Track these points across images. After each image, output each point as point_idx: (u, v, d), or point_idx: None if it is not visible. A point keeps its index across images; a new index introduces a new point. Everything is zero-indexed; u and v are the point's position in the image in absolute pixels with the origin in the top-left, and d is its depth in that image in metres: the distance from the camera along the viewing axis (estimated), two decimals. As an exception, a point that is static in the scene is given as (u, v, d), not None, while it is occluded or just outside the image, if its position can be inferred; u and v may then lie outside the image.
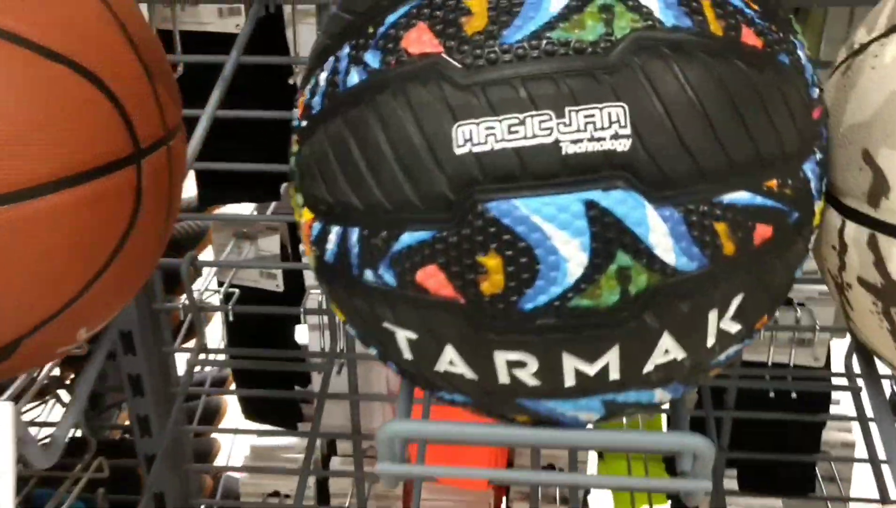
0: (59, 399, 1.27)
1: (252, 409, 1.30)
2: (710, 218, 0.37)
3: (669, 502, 1.46)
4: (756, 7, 0.40)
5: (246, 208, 1.33)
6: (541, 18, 0.36)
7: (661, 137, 0.36)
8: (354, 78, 0.40)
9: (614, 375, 0.40)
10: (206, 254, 1.49)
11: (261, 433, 1.28)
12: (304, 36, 0.98)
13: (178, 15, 0.94)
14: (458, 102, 0.37)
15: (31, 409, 1.25)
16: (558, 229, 0.36)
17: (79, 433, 1.21)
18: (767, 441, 1.12)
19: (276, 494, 1.27)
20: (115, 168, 0.47)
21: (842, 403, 1.27)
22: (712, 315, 0.39)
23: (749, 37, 0.38)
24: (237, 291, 1.12)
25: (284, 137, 1.10)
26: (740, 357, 0.45)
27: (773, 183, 0.39)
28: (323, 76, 0.42)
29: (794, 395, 1.05)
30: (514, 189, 0.36)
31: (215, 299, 1.21)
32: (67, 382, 1.23)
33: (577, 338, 0.38)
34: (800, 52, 0.42)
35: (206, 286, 1.27)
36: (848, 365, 0.99)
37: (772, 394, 1.05)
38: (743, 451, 1.08)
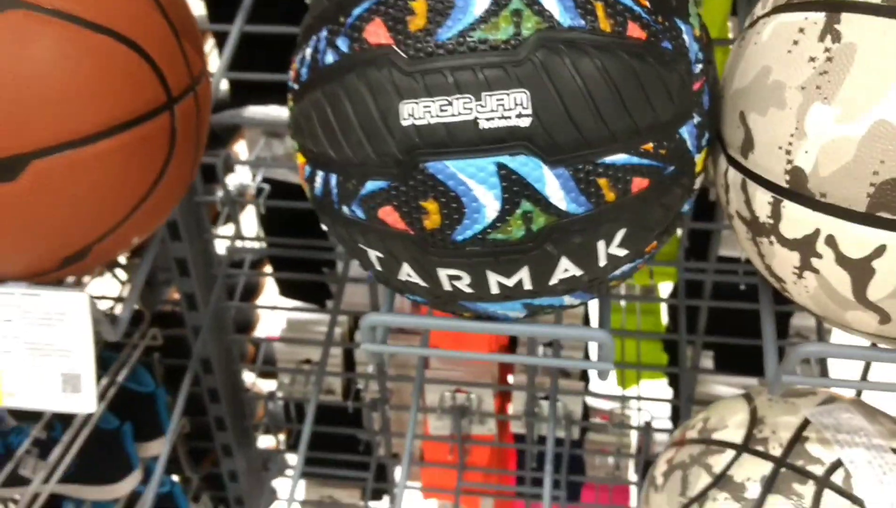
0: (115, 275, 1.43)
1: (286, 288, 1.47)
2: (594, 175, 0.49)
3: (666, 378, 1.60)
4: (645, 2, 0.50)
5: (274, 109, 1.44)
6: (466, 20, 0.48)
7: (554, 115, 0.47)
8: (329, 58, 0.52)
9: (528, 286, 0.53)
10: (240, 147, 1.62)
11: (290, 309, 1.44)
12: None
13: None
14: (403, 85, 0.48)
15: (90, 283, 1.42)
16: (478, 184, 0.49)
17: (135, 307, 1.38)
18: (742, 329, 1.25)
19: (307, 361, 1.45)
20: (152, 116, 0.60)
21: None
22: (601, 244, 0.52)
23: (634, 30, 0.49)
24: (266, 187, 1.26)
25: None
26: (637, 270, 0.56)
27: (650, 146, 0.50)
28: (308, 52, 0.54)
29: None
30: (444, 153, 0.48)
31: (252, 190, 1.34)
32: (122, 261, 1.39)
33: (496, 261, 0.51)
34: (685, 37, 0.52)
35: (241, 181, 1.41)
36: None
37: (742, 287, 1.17)
38: (719, 337, 1.21)
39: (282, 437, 1.58)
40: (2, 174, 0.55)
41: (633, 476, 1.54)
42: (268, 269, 1.45)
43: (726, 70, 0.58)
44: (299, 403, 1.47)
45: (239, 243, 1.25)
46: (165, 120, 0.61)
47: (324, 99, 0.52)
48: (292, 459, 1.59)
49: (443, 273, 0.53)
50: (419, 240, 0.52)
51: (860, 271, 0.50)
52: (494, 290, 0.54)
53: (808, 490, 0.70)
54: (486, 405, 1.40)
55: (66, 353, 0.63)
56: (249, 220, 1.53)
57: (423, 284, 0.55)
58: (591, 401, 1.50)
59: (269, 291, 1.79)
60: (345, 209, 0.54)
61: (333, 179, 0.53)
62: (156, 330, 1.30)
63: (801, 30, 0.50)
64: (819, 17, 0.50)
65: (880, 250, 0.49)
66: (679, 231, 1.22)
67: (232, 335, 1.35)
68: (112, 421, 1.24)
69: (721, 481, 0.74)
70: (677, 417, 1.50)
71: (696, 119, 0.53)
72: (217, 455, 1.47)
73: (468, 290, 0.54)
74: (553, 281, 0.53)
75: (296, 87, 0.55)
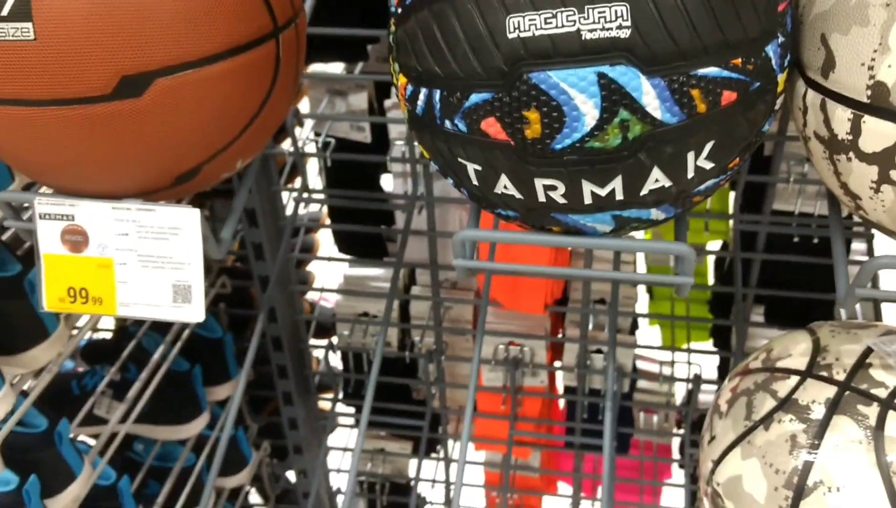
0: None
1: (345, 244, 1.51)
2: (688, 86, 0.52)
3: (711, 340, 1.63)
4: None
5: (337, 68, 1.49)
6: (570, -58, 0.51)
7: (652, 27, 0.51)
8: (437, -21, 0.55)
9: (619, 196, 0.57)
10: (302, 106, 1.66)
11: (352, 263, 1.49)
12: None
13: None
14: (509, 0, 0.52)
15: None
16: (579, 93, 0.52)
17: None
18: (792, 282, 1.27)
19: (365, 314, 1.49)
20: (261, 42, 0.65)
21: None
22: (690, 155, 0.55)
23: (726, -51, 0.52)
24: (333, 140, 1.30)
25: (373, 5, 1.25)
26: (719, 187, 0.60)
27: (738, 61, 0.53)
28: (415, -24, 0.58)
29: (815, 240, 1.20)
30: (548, 64, 0.52)
31: (312, 148, 1.39)
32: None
33: (591, 169, 0.55)
34: (771, -42, 0.55)
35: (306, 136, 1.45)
36: (830, 225, 1.13)
37: (796, 239, 1.20)
38: (770, 289, 1.24)
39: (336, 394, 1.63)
40: (130, 90, 0.59)
41: (675, 429, 1.57)
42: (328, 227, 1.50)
43: (805, -2, 0.61)
44: (357, 354, 1.52)
45: (304, 195, 1.29)
46: (272, 47, 0.65)
47: (431, 18, 0.56)
48: (345, 410, 1.64)
49: (539, 183, 0.57)
50: (519, 149, 0.55)
51: (938, 180, 0.53)
52: (587, 200, 0.57)
53: (872, 411, 0.73)
54: (539, 357, 1.44)
55: (178, 265, 0.67)
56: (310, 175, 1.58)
57: (518, 195, 0.59)
58: (640, 355, 1.54)
59: (323, 251, 1.84)
60: (447, 123, 0.57)
61: (437, 94, 0.57)
62: (224, 278, 1.36)
63: (885, -50, 0.53)
64: (903, -62, 0.52)
65: (959, 158, 0.52)
66: (732, 190, 1.25)
67: (295, 286, 1.40)
68: (183, 364, 1.30)
69: (786, 404, 0.77)
70: (724, 373, 1.53)
71: (780, 39, 0.56)
72: (277, 404, 1.52)
73: (562, 200, 0.58)
74: (644, 191, 0.57)
75: (399, 10, 0.59)
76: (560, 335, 1.47)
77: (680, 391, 1.65)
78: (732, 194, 1.26)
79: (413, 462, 1.71)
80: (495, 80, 0.54)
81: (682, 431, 1.50)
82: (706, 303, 1.62)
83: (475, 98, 0.55)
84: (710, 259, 1.54)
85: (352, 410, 1.65)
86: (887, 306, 1.20)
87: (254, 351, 1.11)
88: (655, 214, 0.60)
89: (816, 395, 0.76)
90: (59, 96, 0.59)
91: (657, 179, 0.56)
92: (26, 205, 0.70)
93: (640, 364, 1.58)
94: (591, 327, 1.42)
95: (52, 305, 0.69)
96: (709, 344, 1.63)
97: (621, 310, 1.42)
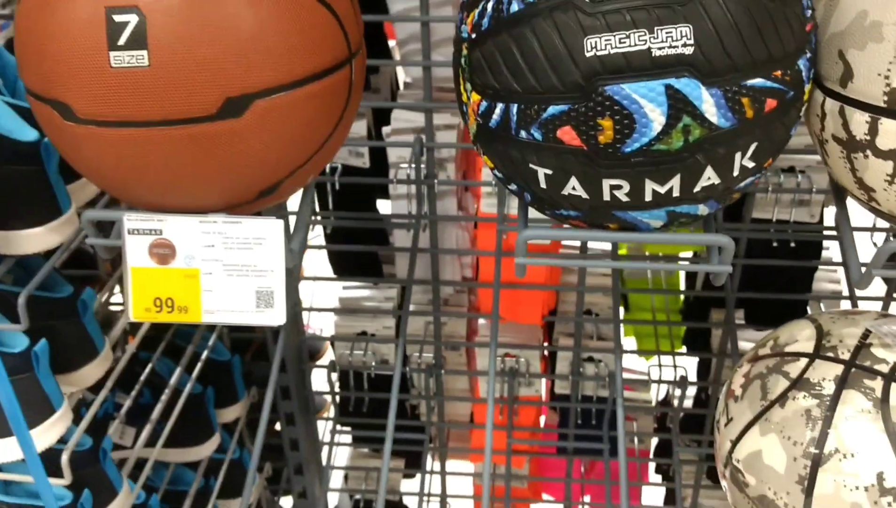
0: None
1: (342, 267, 1.57)
2: (740, 95, 0.61)
3: (685, 347, 1.73)
4: (772, -40, 0.62)
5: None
6: (639, -27, 0.60)
7: (711, 45, 0.59)
8: (515, 7, 0.63)
9: (676, 193, 0.65)
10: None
11: (357, 281, 1.53)
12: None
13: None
14: (587, 23, 0.60)
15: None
16: (648, 102, 0.60)
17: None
18: (768, 285, 1.38)
19: (363, 333, 1.55)
20: (340, 67, 0.71)
21: (831, 250, 1.51)
22: (738, 156, 0.64)
23: (766, -20, 0.62)
24: (340, 165, 1.36)
25: (373, 41, 1.32)
26: (755, 184, 0.69)
27: (779, 73, 0.62)
28: (489, 4, 0.65)
29: (792, 244, 1.31)
30: (621, 78, 0.60)
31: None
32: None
33: (655, 170, 0.63)
34: (799, -13, 0.65)
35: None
36: (837, 221, 1.24)
37: (774, 243, 1.30)
38: (749, 292, 1.34)
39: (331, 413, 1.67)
40: (232, 111, 0.65)
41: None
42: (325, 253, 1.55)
43: (820, 20, 0.71)
44: (357, 373, 1.57)
45: (314, 218, 1.35)
46: (347, 71, 0.72)
47: (511, 40, 0.63)
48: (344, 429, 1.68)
49: (606, 183, 0.65)
50: (591, 154, 0.63)
51: (946, 170, 0.63)
52: (648, 197, 0.65)
53: (877, 384, 0.82)
54: (534, 367, 1.51)
55: (261, 273, 0.73)
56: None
57: (585, 196, 0.66)
58: (627, 362, 1.62)
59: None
60: (522, 133, 0.65)
61: (514, 108, 0.65)
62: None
63: (895, -22, 0.63)
64: (908, -32, 0.63)
65: (965, 151, 0.61)
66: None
67: (300, 306, 1.45)
68: (196, 387, 1.33)
69: (799, 383, 0.86)
70: (704, 376, 1.63)
71: (809, 55, 0.65)
72: (280, 425, 1.56)
73: (625, 198, 0.66)
74: (697, 188, 0.65)
75: (473, 35, 0.67)
76: (548, 344, 1.55)
77: (655, 397, 1.74)
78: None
79: (405, 479, 1.75)
80: (573, 93, 0.61)
81: (669, 431, 1.58)
82: (679, 313, 1.72)
83: (553, 109, 0.63)
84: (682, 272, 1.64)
85: (347, 429, 1.69)
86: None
87: (278, 366, 1.16)
88: (702, 208, 0.68)
89: (826, 373, 0.85)
90: (169, 117, 0.64)
91: (709, 176, 0.64)
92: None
93: (630, 364, 1.66)
94: (583, 334, 1.50)
95: (138, 314, 0.74)
96: (683, 350, 1.73)
97: (606, 319, 1.51)
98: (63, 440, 0.97)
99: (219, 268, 0.73)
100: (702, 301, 1.54)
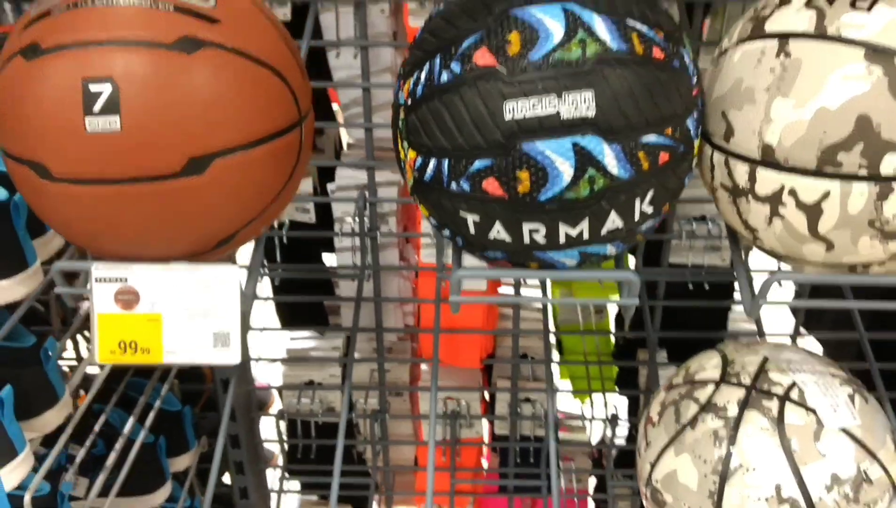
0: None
1: (290, 317, 1.63)
2: (636, 150, 0.72)
3: (618, 389, 1.83)
4: (661, 34, 0.74)
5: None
6: (548, 46, 0.70)
7: (610, 108, 0.70)
8: (445, 77, 0.73)
9: (586, 236, 0.75)
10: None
11: (304, 330, 1.60)
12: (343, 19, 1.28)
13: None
14: (506, 91, 0.70)
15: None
16: (559, 157, 0.70)
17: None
18: (688, 324, 1.49)
19: (311, 382, 1.61)
20: (290, 130, 0.80)
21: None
22: (637, 202, 0.74)
23: (657, 53, 0.73)
24: (287, 220, 1.44)
25: (319, 105, 1.41)
26: (654, 227, 0.79)
27: (670, 130, 0.73)
28: (423, 75, 0.75)
29: (706, 286, 1.42)
30: (536, 137, 0.70)
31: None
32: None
33: (567, 215, 0.73)
34: (686, 58, 0.76)
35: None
36: (733, 258, 1.36)
37: (690, 286, 1.42)
38: (671, 332, 1.45)
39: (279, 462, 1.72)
40: (195, 169, 0.73)
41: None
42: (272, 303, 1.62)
43: (706, 85, 0.82)
44: (303, 421, 1.62)
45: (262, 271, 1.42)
46: (297, 133, 0.81)
47: (441, 106, 0.73)
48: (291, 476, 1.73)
49: (526, 228, 0.74)
50: (512, 202, 0.73)
51: (813, 211, 0.74)
52: (562, 240, 0.75)
53: (773, 405, 0.93)
54: (474, 410, 1.59)
55: (218, 316, 0.80)
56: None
57: (508, 239, 0.76)
58: (564, 405, 1.71)
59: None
60: (453, 185, 0.74)
61: (445, 163, 0.74)
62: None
63: (762, 51, 0.75)
64: (773, 43, 0.75)
65: (826, 195, 0.73)
66: (632, 254, 1.47)
67: (248, 357, 1.51)
68: (149, 437, 1.37)
69: (707, 406, 0.96)
70: (634, 413, 1.72)
71: (696, 115, 0.77)
72: (229, 474, 1.60)
73: (542, 241, 0.75)
74: (603, 231, 0.75)
75: (409, 101, 0.76)
76: (486, 387, 1.63)
77: (590, 438, 1.83)
78: (632, 258, 1.48)
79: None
80: (496, 150, 0.71)
81: (604, 467, 1.67)
82: (611, 355, 1.82)
83: (478, 164, 0.72)
84: (612, 316, 1.75)
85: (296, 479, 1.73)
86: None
87: (228, 419, 1.21)
88: (610, 249, 0.78)
89: (730, 397, 0.95)
90: (138, 175, 0.72)
91: (614, 220, 0.75)
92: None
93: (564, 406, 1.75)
94: (520, 376, 1.59)
95: (104, 357, 0.80)
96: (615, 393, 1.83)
97: (541, 361, 1.60)
98: (22, 487, 1.01)
99: (179, 311, 0.80)
100: (630, 343, 1.65)
